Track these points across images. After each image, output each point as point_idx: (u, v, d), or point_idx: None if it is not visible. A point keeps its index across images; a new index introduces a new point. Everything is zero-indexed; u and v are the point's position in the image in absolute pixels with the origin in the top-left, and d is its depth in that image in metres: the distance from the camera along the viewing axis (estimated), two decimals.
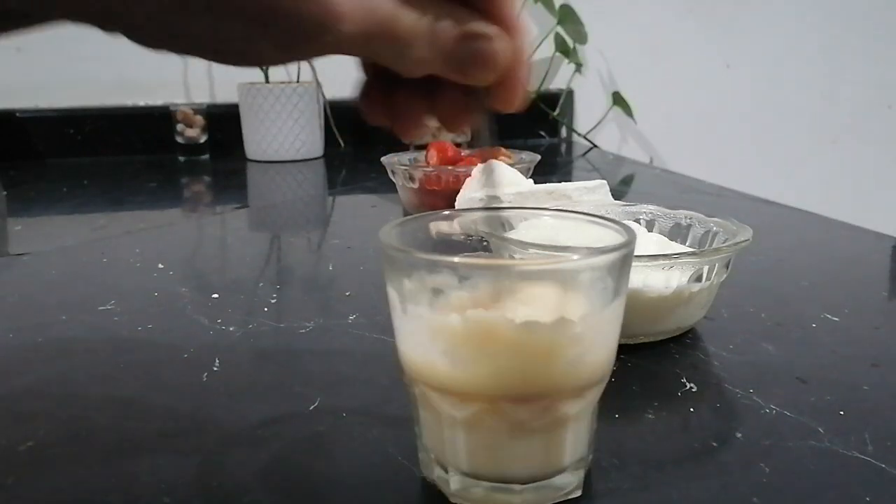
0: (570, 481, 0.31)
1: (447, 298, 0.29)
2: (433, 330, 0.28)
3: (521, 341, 0.27)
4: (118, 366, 0.45)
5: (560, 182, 0.64)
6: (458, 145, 1.13)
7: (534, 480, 0.30)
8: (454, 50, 0.26)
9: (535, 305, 0.28)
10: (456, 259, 0.29)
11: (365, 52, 0.26)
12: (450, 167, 0.81)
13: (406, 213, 0.83)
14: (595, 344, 0.29)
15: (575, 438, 0.30)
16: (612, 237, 0.31)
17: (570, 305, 0.28)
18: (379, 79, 0.29)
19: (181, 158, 1.22)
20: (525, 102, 0.29)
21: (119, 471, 0.34)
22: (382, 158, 0.87)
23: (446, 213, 0.36)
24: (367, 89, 0.30)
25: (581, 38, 1.30)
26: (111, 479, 0.33)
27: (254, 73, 1.21)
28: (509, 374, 0.28)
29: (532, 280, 0.29)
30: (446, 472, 0.31)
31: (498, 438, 0.29)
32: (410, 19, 0.25)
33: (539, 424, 0.29)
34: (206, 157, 1.23)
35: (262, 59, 0.27)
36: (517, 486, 0.30)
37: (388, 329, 0.49)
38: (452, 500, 0.31)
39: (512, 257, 0.47)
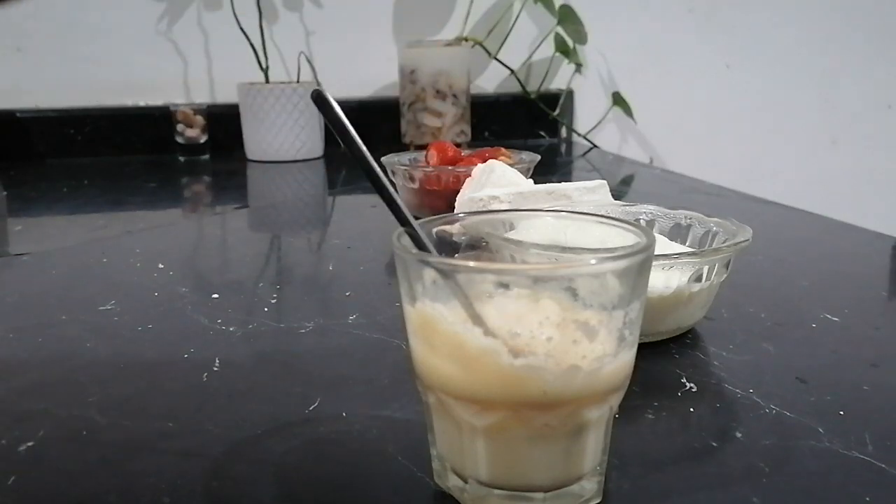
0: (590, 488, 0.31)
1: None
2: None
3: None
4: (118, 366, 0.45)
5: (560, 182, 0.64)
6: (458, 145, 1.13)
7: (554, 488, 0.30)
8: None
9: (555, 311, 0.28)
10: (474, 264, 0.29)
11: None
12: (450, 167, 0.81)
13: None
14: (616, 349, 0.29)
15: (595, 445, 0.30)
16: (618, 236, 0.31)
17: (589, 311, 0.28)
18: None
19: (181, 158, 1.22)
20: None
21: (119, 471, 0.34)
22: (382, 158, 0.87)
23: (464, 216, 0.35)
24: None
25: (581, 38, 1.30)
26: (111, 479, 0.33)
27: (254, 74, 1.21)
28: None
29: (551, 284, 0.29)
30: (464, 481, 0.30)
31: (519, 446, 0.29)
32: None
33: (561, 431, 0.28)
34: (206, 157, 1.23)
35: None
36: (537, 495, 0.30)
37: (388, 329, 0.49)
38: None
39: (513, 258, 0.47)
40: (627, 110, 1.35)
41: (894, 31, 1.46)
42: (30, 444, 0.36)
